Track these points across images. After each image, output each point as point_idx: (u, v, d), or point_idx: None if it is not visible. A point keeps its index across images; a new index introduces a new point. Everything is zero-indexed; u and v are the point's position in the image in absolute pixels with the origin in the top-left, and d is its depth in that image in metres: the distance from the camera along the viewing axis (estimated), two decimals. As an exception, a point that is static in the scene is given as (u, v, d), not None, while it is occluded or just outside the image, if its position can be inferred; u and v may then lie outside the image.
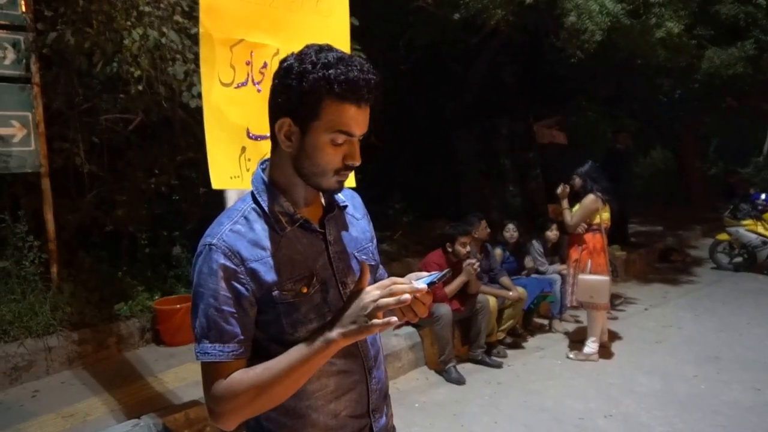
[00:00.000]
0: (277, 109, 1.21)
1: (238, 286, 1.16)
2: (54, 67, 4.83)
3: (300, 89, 1.14)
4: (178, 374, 4.37)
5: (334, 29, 2.56)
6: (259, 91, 2.36)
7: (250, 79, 2.33)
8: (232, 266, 1.16)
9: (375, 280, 1.41)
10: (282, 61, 1.20)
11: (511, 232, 5.87)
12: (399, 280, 1.16)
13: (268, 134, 2.42)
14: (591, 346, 5.03)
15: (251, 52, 2.33)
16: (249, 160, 2.34)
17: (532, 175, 9.94)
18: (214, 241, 1.18)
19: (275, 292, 1.18)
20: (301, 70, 1.14)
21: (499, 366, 4.92)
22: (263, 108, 2.35)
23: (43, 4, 4.57)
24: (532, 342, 5.61)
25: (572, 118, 11.98)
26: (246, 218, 1.22)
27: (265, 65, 2.37)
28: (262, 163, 1.30)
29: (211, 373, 1.16)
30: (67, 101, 4.99)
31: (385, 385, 1.40)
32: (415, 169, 9.78)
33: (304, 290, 1.20)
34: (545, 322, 6.03)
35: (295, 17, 2.44)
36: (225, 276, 1.15)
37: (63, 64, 4.71)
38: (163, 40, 4.15)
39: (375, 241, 1.46)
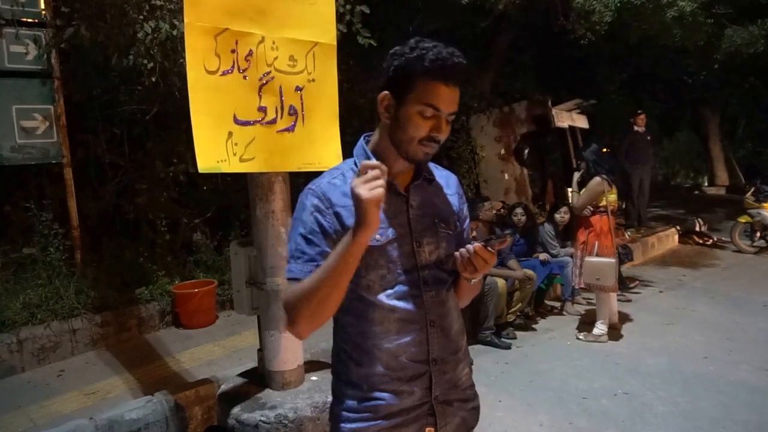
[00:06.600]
0: (380, 86, 1.41)
1: (324, 222, 1.39)
2: (72, 61, 5.00)
3: (398, 66, 1.35)
4: (194, 355, 4.55)
5: (320, 17, 2.61)
6: (245, 78, 2.45)
7: (235, 67, 2.42)
8: (322, 206, 1.40)
9: (455, 248, 1.52)
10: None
11: (519, 215, 5.88)
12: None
13: (254, 120, 2.53)
14: (600, 328, 5.06)
15: (236, 40, 2.41)
16: (236, 144, 2.43)
17: (551, 159, 9.87)
18: (313, 187, 1.43)
19: None
20: (401, 51, 1.36)
21: (507, 347, 4.98)
22: (249, 94, 2.48)
23: (61, 0, 4.71)
24: (542, 324, 5.65)
25: (593, 102, 11.80)
26: (343, 175, 1.45)
27: (250, 53, 2.45)
28: (365, 136, 1.52)
29: (288, 288, 1.38)
30: (87, 94, 5.16)
31: (456, 345, 1.52)
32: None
33: (378, 237, 1.38)
34: (557, 304, 6.06)
35: (281, 5, 2.49)
36: (315, 212, 1.39)
37: (81, 58, 4.87)
38: (175, 32, 4.26)
39: (467, 220, 1.64)
